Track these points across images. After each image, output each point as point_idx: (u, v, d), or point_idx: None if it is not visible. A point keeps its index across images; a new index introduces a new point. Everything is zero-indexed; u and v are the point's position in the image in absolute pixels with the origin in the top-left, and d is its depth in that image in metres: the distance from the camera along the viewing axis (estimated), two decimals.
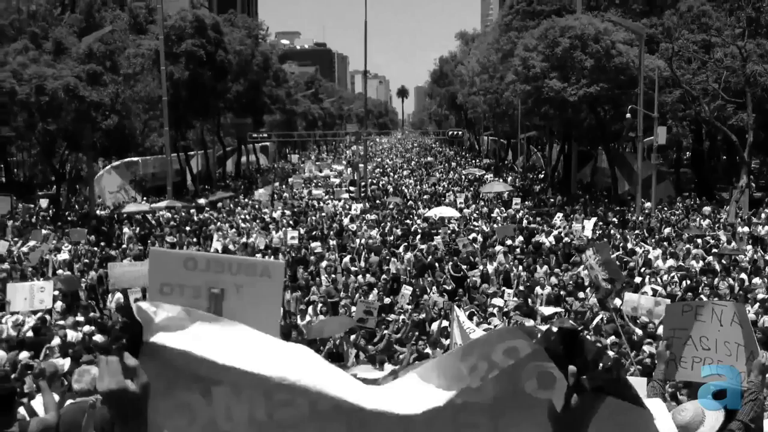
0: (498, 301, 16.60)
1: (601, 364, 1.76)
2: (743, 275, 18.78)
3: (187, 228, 32.21)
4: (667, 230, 28.81)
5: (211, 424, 1.85)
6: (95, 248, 26.41)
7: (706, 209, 34.79)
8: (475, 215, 35.96)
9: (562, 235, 27.51)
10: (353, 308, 16.08)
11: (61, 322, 13.87)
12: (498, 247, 24.44)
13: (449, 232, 28.44)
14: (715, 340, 5.28)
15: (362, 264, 23.09)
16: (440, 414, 1.86)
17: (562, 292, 17.92)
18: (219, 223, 33.54)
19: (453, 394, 1.85)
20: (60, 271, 20.79)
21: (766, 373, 5.27)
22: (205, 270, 2.17)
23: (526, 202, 40.68)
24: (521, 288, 18.86)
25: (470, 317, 13.56)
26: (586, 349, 1.76)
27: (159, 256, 2.22)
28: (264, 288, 2.28)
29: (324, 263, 22.38)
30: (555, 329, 1.81)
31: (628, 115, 35.85)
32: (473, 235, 27.57)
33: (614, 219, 33.01)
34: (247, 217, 36.77)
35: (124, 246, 27.39)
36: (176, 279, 2.14)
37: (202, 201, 43.22)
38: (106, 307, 18.38)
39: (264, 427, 1.87)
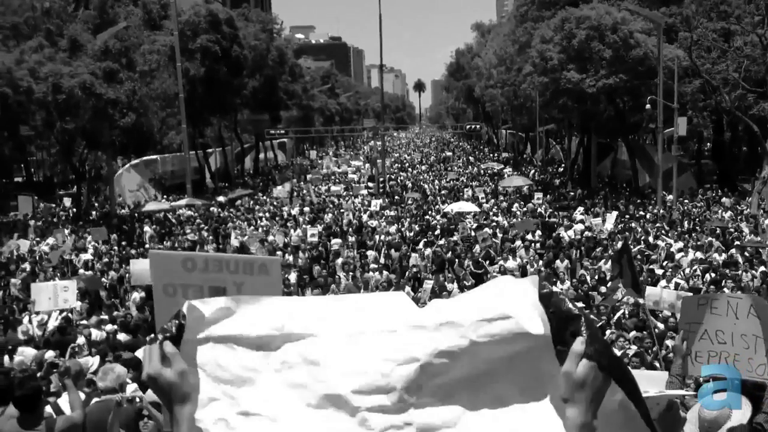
0: None
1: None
2: (762, 268, 18.55)
3: (204, 226, 32.38)
4: (685, 223, 28.57)
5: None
6: (116, 247, 26.64)
7: (726, 200, 34.44)
8: (494, 210, 35.80)
9: (585, 228, 27.33)
10: None
11: (85, 322, 14.02)
12: (518, 243, 24.34)
13: (469, 227, 28.34)
14: (731, 334, 5.22)
15: (382, 260, 23.08)
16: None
17: (585, 287, 17.80)
18: (237, 221, 33.69)
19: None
20: (81, 271, 20.98)
21: None
22: (203, 270, 2.19)
23: (546, 196, 40.45)
24: None
25: None
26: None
27: (158, 259, 2.24)
28: (263, 284, 2.29)
29: (339, 260, 22.39)
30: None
31: (648, 106, 35.51)
32: (488, 230, 27.34)
33: (641, 213, 32.66)
34: (267, 214, 36.87)
35: (147, 245, 27.58)
36: (178, 279, 2.15)
37: (221, 199, 43.42)
38: (126, 306, 18.53)
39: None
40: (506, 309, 1.80)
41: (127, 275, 20.26)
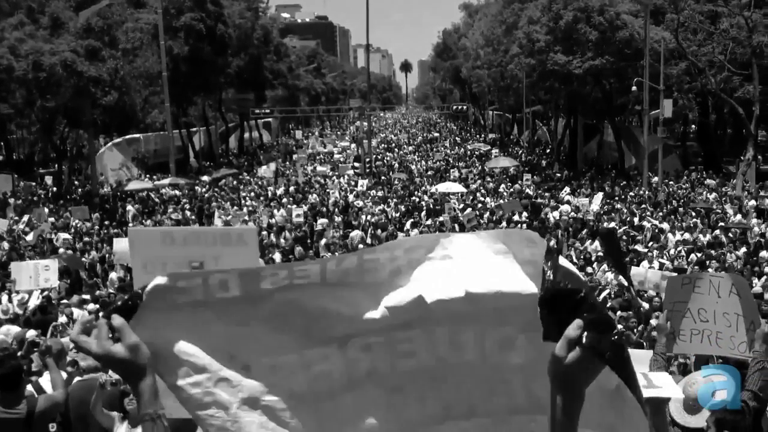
0: None
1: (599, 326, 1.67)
2: (743, 249, 18.72)
3: (188, 206, 32.17)
4: (662, 201, 28.79)
5: (252, 394, 1.88)
6: (96, 227, 26.38)
7: (711, 182, 34.69)
8: (482, 190, 35.79)
9: (570, 209, 27.42)
10: None
11: (66, 301, 13.87)
12: (503, 224, 24.38)
13: (454, 206, 28.33)
14: (713, 312, 5.28)
15: (369, 240, 23.00)
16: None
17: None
18: (221, 201, 33.46)
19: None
20: (62, 250, 20.75)
21: None
22: (182, 244, 2.23)
23: (533, 178, 40.60)
24: None
25: None
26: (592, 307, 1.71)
27: (138, 235, 2.31)
28: (240, 255, 2.32)
29: (323, 241, 22.27)
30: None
31: (634, 88, 35.54)
32: (474, 211, 27.28)
33: (629, 193, 32.71)
34: (252, 194, 36.68)
35: (130, 224, 27.32)
36: (157, 255, 2.18)
37: (205, 178, 43.14)
38: (106, 286, 18.36)
39: (304, 399, 1.89)
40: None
41: (107, 255, 20.16)
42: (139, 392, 1.76)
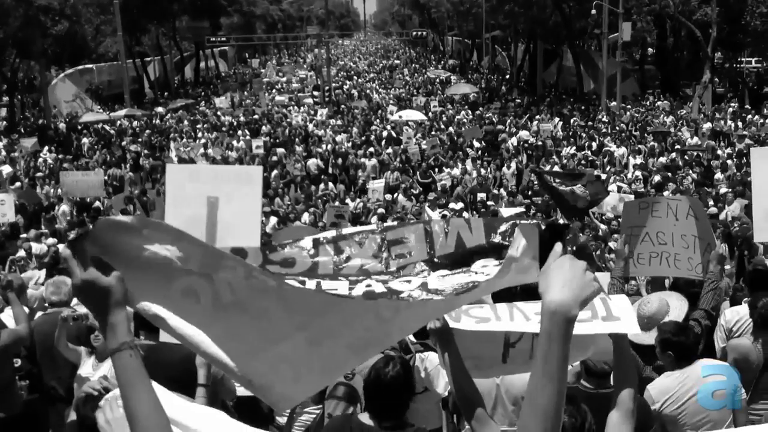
0: (456, 206, 16.61)
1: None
2: (691, 172, 19.12)
3: (143, 137, 31.48)
4: (623, 125, 29.04)
5: (215, 299, 1.93)
6: (49, 160, 25.74)
7: (665, 104, 35.04)
8: (443, 118, 35.62)
9: (529, 134, 27.53)
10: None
11: (24, 235, 13.63)
12: (460, 153, 24.44)
13: (413, 134, 28.19)
14: (671, 234, 5.35)
15: (330, 170, 22.86)
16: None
17: (529, 192, 18.10)
18: (176, 135, 32.72)
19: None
20: (18, 184, 20.27)
21: (724, 263, 5.36)
22: (205, 182, 2.41)
23: (493, 104, 40.46)
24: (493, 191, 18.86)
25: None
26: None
27: (173, 171, 2.49)
28: (247, 193, 2.45)
29: (274, 172, 22.00)
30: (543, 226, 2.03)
31: (593, 11, 35.29)
32: (435, 139, 27.19)
33: (594, 118, 32.76)
34: (208, 125, 36.00)
35: (87, 160, 26.64)
36: (185, 191, 2.40)
37: (160, 109, 42.12)
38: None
39: (268, 294, 1.97)
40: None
41: (52, 190, 19.84)
42: (113, 324, 1.77)
